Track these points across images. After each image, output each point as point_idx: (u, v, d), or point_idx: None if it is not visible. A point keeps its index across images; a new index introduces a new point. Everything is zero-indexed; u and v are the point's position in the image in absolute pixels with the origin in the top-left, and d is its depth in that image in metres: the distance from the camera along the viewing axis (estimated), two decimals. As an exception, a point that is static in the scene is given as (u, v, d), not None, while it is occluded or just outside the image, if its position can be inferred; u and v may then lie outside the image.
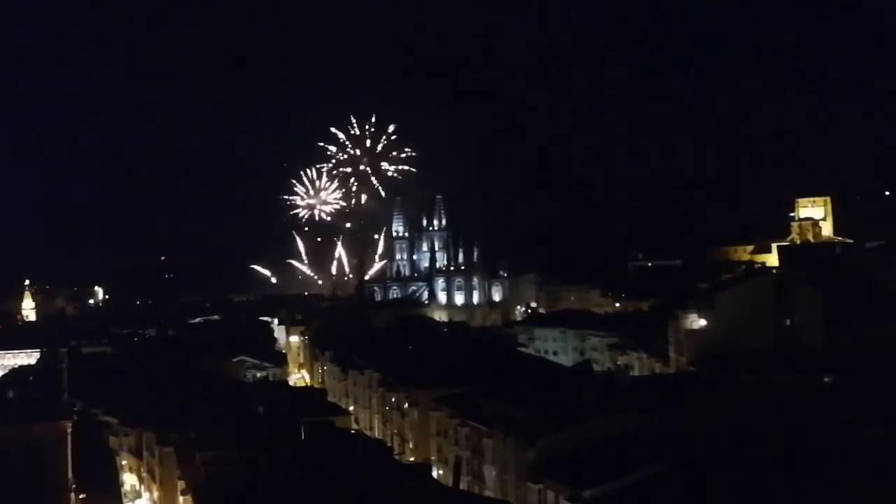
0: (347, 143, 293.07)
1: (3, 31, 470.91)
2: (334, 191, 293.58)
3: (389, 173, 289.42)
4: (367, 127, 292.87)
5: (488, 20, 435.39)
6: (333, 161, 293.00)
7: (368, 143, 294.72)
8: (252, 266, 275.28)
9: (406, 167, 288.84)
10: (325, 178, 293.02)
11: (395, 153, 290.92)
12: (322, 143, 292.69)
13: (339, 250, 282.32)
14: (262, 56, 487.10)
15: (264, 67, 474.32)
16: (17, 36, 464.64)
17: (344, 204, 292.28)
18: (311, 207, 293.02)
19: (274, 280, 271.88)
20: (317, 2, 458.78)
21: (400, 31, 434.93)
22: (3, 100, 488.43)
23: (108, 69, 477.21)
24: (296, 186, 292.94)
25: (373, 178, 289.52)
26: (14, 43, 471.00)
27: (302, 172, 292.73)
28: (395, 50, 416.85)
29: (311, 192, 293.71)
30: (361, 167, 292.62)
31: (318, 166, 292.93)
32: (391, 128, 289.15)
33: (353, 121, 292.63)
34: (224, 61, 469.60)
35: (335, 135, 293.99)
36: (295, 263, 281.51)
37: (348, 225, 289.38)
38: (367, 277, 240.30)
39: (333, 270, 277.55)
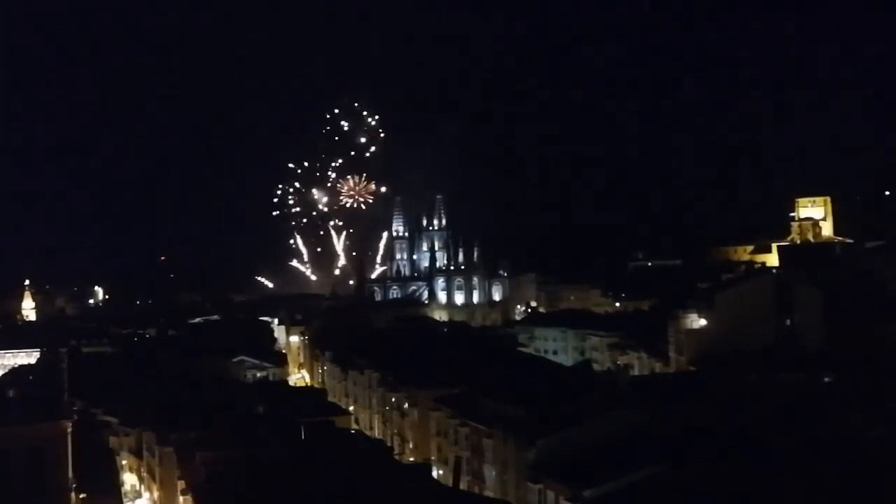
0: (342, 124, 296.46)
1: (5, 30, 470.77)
2: (335, 186, 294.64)
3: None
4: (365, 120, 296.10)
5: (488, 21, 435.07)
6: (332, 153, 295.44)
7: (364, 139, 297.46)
8: (256, 277, 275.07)
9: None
10: (329, 175, 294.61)
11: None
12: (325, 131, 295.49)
13: (339, 250, 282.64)
14: (259, 53, 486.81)
15: (263, 64, 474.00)
16: (19, 34, 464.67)
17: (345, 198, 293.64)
18: (311, 203, 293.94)
19: (272, 286, 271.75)
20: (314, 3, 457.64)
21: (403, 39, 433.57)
22: (4, 100, 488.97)
23: (109, 70, 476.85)
24: (295, 184, 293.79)
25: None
26: (17, 41, 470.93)
27: (300, 169, 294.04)
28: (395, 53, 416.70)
29: (312, 188, 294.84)
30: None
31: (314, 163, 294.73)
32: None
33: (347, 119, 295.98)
34: (223, 60, 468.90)
35: (332, 131, 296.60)
36: (296, 264, 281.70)
37: (340, 223, 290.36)
38: (367, 277, 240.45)
39: (336, 271, 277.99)
